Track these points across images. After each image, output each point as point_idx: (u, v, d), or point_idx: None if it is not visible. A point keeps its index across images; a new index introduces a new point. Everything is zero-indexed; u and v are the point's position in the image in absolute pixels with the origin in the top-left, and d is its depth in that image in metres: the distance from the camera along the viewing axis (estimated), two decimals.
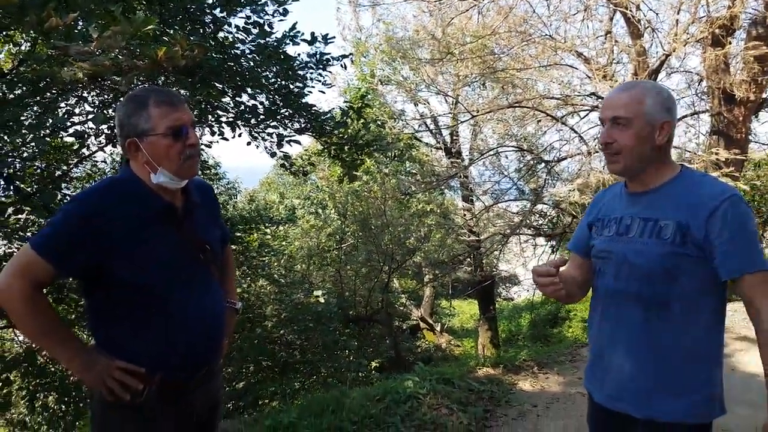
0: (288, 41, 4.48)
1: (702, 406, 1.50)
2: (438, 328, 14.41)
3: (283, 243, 10.83)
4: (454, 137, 11.74)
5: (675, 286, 1.49)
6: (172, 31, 3.87)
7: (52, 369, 5.27)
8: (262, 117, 4.69)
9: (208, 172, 7.53)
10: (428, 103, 10.95)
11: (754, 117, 6.35)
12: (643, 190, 1.60)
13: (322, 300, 8.15)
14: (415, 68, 9.65)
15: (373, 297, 11.37)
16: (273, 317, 8.36)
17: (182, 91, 4.29)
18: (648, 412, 1.51)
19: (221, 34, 4.51)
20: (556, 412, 3.69)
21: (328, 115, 4.97)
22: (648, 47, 7.16)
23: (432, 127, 11.94)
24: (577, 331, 15.88)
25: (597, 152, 7.30)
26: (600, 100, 7.74)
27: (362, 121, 5.22)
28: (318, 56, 4.67)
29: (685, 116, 7.81)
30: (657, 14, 6.62)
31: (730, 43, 5.75)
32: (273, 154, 4.87)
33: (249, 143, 4.81)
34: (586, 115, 8.18)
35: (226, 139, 4.65)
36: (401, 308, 13.64)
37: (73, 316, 4.91)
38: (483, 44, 8.10)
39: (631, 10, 6.44)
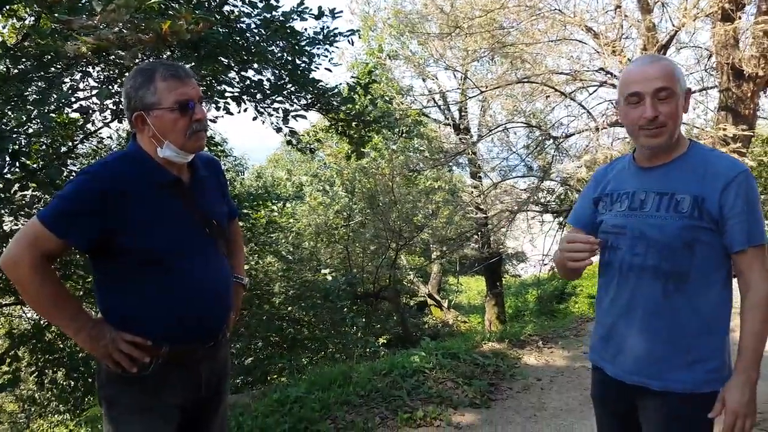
0: (295, 16, 4.43)
1: (716, 374, 1.52)
2: (445, 305, 14.52)
3: (291, 220, 10.87)
4: (463, 113, 11.66)
5: (693, 258, 1.51)
6: (176, 5, 3.84)
7: (61, 345, 5.34)
8: (267, 92, 4.67)
9: (215, 148, 7.52)
10: (436, 78, 10.86)
11: (762, 93, 6.23)
12: (657, 164, 1.60)
13: (329, 277, 8.21)
14: (424, 43, 9.54)
15: (380, 274, 11.44)
16: (281, 294, 8.44)
17: (188, 66, 4.28)
18: (665, 384, 1.53)
19: (226, 8, 4.47)
20: (561, 385, 3.73)
21: (335, 90, 4.95)
22: (657, 22, 7.03)
23: (440, 103, 11.84)
24: (583, 306, 15.94)
25: (605, 128, 7.23)
26: (609, 75, 7.63)
27: (369, 97, 5.19)
28: (325, 32, 4.62)
29: (694, 92, 7.68)
30: None
31: (739, 17, 5.62)
32: (279, 130, 4.86)
33: (255, 118, 4.80)
34: (595, 90, 8.08)
35: (231, 114, 4.64)
36: (409, 285, 13.73)
37: (81, 293, 4.96)
38: (492, 18, 7.98)
39: None
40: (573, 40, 7.78)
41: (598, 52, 7.39)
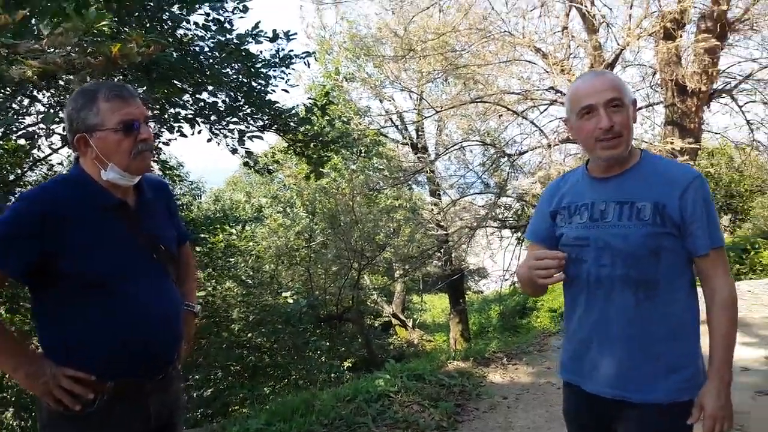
0: (250, 39, 4.43)
1: (692, 381, 1.52)
2: (410, 324, 14.47)
3: (251, 243, 10.69)
4: (420, 133, 11.82)
5: (660, 265, 1.51)
6: (127, 29, 3.77)
7: (9, 383, 5.06)
8: (223, 114, 4.62)
9: (170, 172, 7.36)
10: (393, 99, 11.02)
11: (705, 107, 6.57)
12: (612, 174, 1.60)
13: (291, 301, 8.07)
14: (379, 65, 9.68)
15: (343, 295, 11.32)
16: (240, 320, 8.23)
17: (140, 90, 4.19)
18: (644, 396, 1.51)
19: (180, 32, 4.42)
20: (527, 403, 3.74)
21: (293, 111, 4.94)
22: (603, 42, 7.36)
23: (398, 123, 11.99)
24: (545, 320, 16.18)
25: (557, 145, 7.45)
26: (558, 93, 7.90)
27: (327, 117, 5.20)
28: (280, 54, 4.63)
29: (641, 108, 8.04)
30: (611, 9, 6.77)
31: (681, 36, 5.93)
32: (234, 151, 4.81)
33: (209, 140, 4.73)
34: (546, 108, 8.35)
35: (185, 136, 4.56)
36: (372, 305, 13.63)
37: (28, 327, 4.73)
38: (444, 41, 8.18)
39: (586, 6, 6.59)
40: (523, 60, 8.06)
41: (547, 71, 7.66)
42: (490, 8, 7.52)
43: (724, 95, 6.88)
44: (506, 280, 9.55)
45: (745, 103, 7.39)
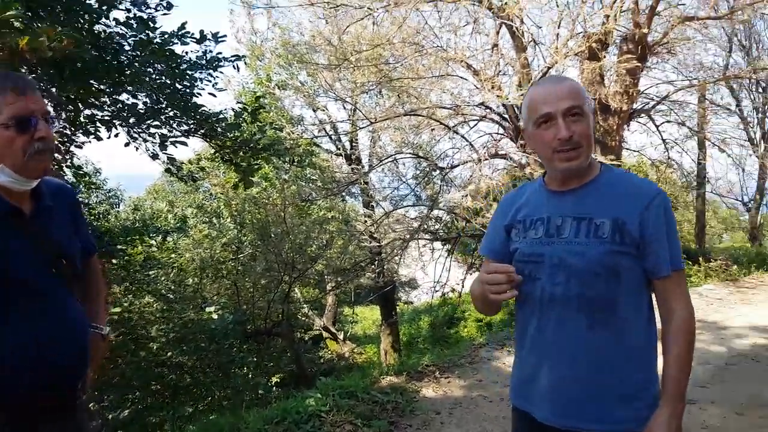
0: (175, 40, 4.19)
1: (650, 409, 1.42)
2: (341, 337, 14.28)
3: (173, 255, 10.15)
4: (354, 144, 11.77)
5: (618, 285, 1.42)
6: (38, 24, 3.45)
7: None
8: (143, 116, 4.33)
9: (84, 179, 6.83)
10: (327, 109, 10.88)
11: (626, 126, 6.94)
12: (570, 188, 1.51)
13: (215, 316, 7.68)
14: (313, 74, 9.54)
15: (273, 309, 10.98)
16: (160, 338, 7.74)
17: (53, 89, 3.85)
18: (600, 425, 1.42)
19: (98, 27, 4.11)
20: (460, 417, 3.71)
21: (220, 116, 4.72)
22: (531, 60, 7.63)
23: (331, 133, 11.87)
24: (472, 330, 16.52)
25: (486, 159, 7.63)
26: (488, 110, 8.11)
27: (258, 124, 5.00)
28: (208, 56, 4.41)
29: None
30: (540, 28, 7.02)
31: (604, 57, 6.25)
32: (155, 156, 4.51)
33: (127, 144, 4.41)
34: (476, 124, 8.54)
35: (100, 139, 4.23)
36: (303, 319, 13.34)
37: None
38: (379, 53, 8.18)
39: (515, 24, 6.81)
40: (455, 76, 8.20)
41: (477, 87, 7.84)
42: (424, 22, 7.61)
43: (642, 115, 7.32)
44: (437, 291, 9.62)
45: (662, 123, 7.91)
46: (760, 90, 10.84)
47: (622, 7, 5.60)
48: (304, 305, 13.25)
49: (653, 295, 1.50)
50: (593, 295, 1.42)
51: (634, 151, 8.83)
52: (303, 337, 13.47)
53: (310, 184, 10.93)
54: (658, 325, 1.48)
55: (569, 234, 1.46)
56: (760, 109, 11.02)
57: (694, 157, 10.06)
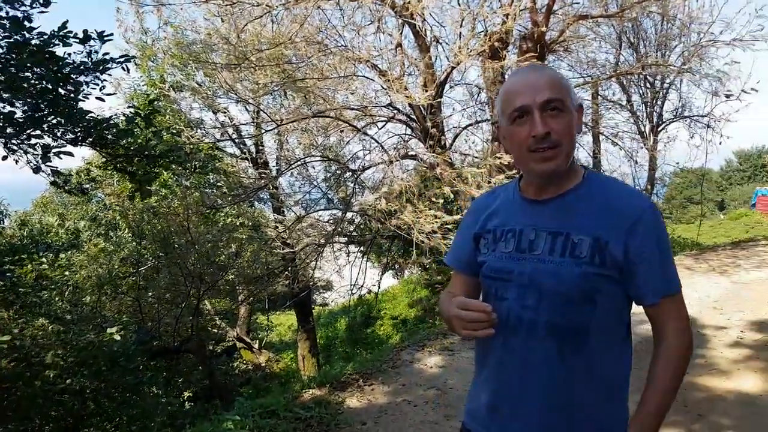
0: (56, 41, 3.79)
1: None
2: (256, 346, 13.86)
3: (67, 273, 9.30)
4: (260, 147, 11.40)
5: (594, 312, 1.26)
6: None
7: None
8: (22, 125, 3.87)
9: None
10: (228, 111, 10.42)
11: None
12: (548, 197, 1.33)
13: (117, 337, 7.11)
14: (211, 74, 9.09)
15: (181, 324, 10.38)
16: (57, 364, 7.05)
17: None
18: None
19: None
20: (386, 426, 3.66)
21: (111, 122, 4.34)
22: (435, 60, 7.76)
23: (235, 136, 11.42)
24: (388, 328, 16.76)
25: (398, 161, 7.67)
26: (396, 110, 8.16)
27: (153, 129, 4.66)
28: (94, 58, 4.03)
29: (469, 125, 8.67)
30: (443, 27, 7.15)
31: (505, 56, 6.47)
32: (37, 170, 4.06)
33: (5, 157, 3.94)
34: (384, 125, 8.56)
35: None
36: (215, 331, 12.77)
37: None
38: (280, 52, 7.95)
39: (417, 23, 6.88)
40: (361, 76, 8.16)
41: (384, 88, 7.86)
42: (327, 21, 7.49)
43: None
44: (353, 294, 9.57)
45: None
46: (648, 85, 11.74)
47: (520, 5, 5.82)
48: (216, 317, 12.68)
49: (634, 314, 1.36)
50: (565, 322, 1.26)
51: None
52: (216, 349, 12.93)
53: (215, 191, 10.45)
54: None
55: (542, 250, 1.29)
56: (649, 104, 11.92)
57: (590, 150, 10.77)
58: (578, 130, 1.32)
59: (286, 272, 10.19)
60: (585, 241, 1.25)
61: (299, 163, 8.70)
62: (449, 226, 6.60)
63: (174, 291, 10.32)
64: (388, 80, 7.01)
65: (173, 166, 5.97)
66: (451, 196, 6.91)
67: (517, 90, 1.28)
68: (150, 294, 10.65)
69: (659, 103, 11.79)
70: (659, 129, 11.70)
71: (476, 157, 8.06)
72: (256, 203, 12.48)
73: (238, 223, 10.85)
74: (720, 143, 8.53)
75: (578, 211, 1.29)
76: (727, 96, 7.41)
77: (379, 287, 10.66)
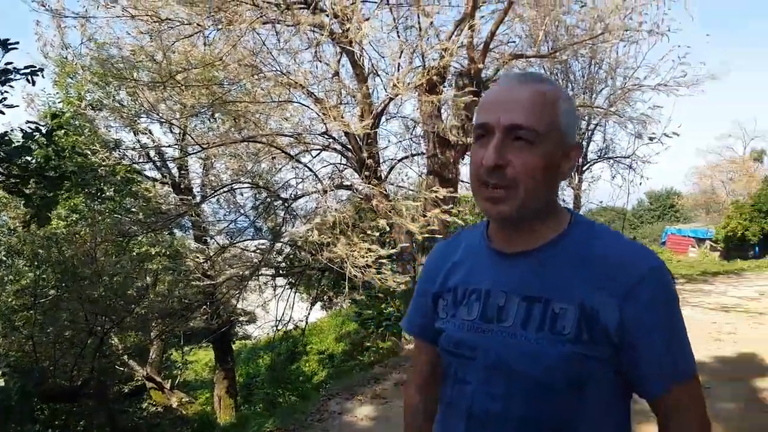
0: None
1: None
2: (167, 386, 12.75)
3: None
4: (183, 171, 10.72)
5: (581, 403, 0.96)
6: None
7: None
8: None
9: None
10: (150, 132, 9.73)
11: (461, 159, 7.24)
12: (521, 249, 1.02)
13: (2, 382, 6.19)
14: (133, 93, 8.46)
15: (82, 364, 9.33)
16: None
17: None
18: None
19: None
20: None
21: (4, 138, 3.76)
22: (372, 91, 7.62)
23: (156, 159, 10.69)
24: (314, 365, 16.09)
25: (332, 190, 7.37)
26: (332, 139, 7.89)
27: (53, 146, 4.09)
28: None
29: (405, 158, 8.56)
30: (383, 58, 7.04)
31: (442, 91, 6.43)
32: None
33: None
34: (318, 153, 8.27)
35: None
36: (123, 369, 11.63)
37: None
38: (211, 74, 7.53)
39: (356, 52, 6.72)
40: (296, 102, 7.85)
41: (320, 116, 7.58)
42: (261, 44, 7.17)
43: None
44: (278, 330, 9.01)
45: None
46: None
47: (458, 42, 5.80)
48: (124, 354, 11.57)
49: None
50: (543, 419, 0.97)
51: (468, 183, 9.32)
52: (122, 389, 11.78)
53: (131, 217, 9.63)
54: None
55: (514, 322, 0.99)
56: None
57: None
58: (561, 176, 1.00)
59: (205, 306, 9.47)
60: (568, 312, 0.95)
61: (226, 189, 8.19)
62: (383, 261, 6.36)
63: (75, 327, 9.30)
64: (325, 108, 6.76)
65: (83, 189, 5.34)
66: (387, 228, 6.69)
67: (489, 101, 1.00)
68: (49, 330, 9.54)
69: (585, 143, 12.32)
70: (584, 168, 12.18)
71: (411, 190, 7.92)
72: (177, 231, 11.68)
73: (153, 252, 10.02)
74: (640, 184, 8.91)
75: (560, 271, 0.98)
76: (651, 139, 7.76)
77: (306, 322, 10.14)
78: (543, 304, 0.97)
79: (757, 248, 22.16)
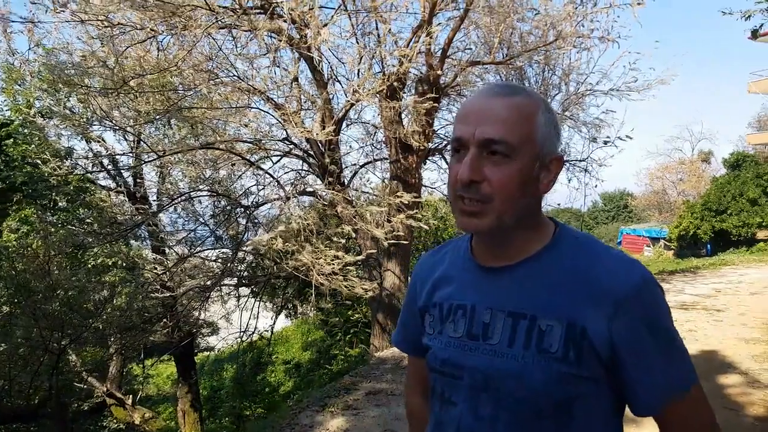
0: None
1: None
2: (129, 402, 12.35)
3: None
4: (138, 180, 10.43)
5: (570, 423, 0.93)
6: None
7: None
8: None
9: None
10: (103, 140, 9.43)
11: (423, 164, 7.28)
12: (505, 263, 1.00)
13: None
14: (85, 99, 8.19)
15: (38, 382, 8.95)
16: None
17: None
18: None
19: None
20: None
21: None
22: (332, 97, 7.59)
23: (110, 167, 10.36)
24: (280, 375, 15.89)
25: (295, 197, 7.29)
26: (293, 145, 7.82)
27: (2, 156, 3.92)
28: None
29: (367, 163, 8.55)
30: (343, 64, 7.02)
31: (403, 97, 6.46)
32: None
33: None
34: (279, 159, 8.18)
35: None
36: (80, 387, 11.21)
37: None
38: (166, 79, 7.36)
39: (315, 58, 6.68)
40: (255, 108, 7.76)
41: (280, 121, 7.51)
42: (217, 49, 7.05)
43: (437, 154, 7.79)
44: (243, 341, 8.85)
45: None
46: None
47: (416, 48, 5.85)
48: (82, 371, 11.15)
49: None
50: None
51: (431, 188, 9.38)
52: (81, 406, 11.34)
53: (85, 228, 9.30)
54: None
55: (500, 339, 0.96)
56: None
57: None
58: (542, 188, 0.98)
59: (165, 319, 9.21)
60: (555, 329, 0.92)
61: (184, 197, 8.00)
62: (350, 268, 6.33)
63: (29, 344, 8.91)
64: (285, 114, 6.69)
65: (34, 200, 5.13)
66: (352, 234, 6.66)
67: (465, 114, 0.97)
68: (1, 348, 9.10)
69: None
70: None
71: (375, 195, 7.91)
72: (133, 241, 11.34)
73: (110, 263, 9.70)
74: (596, 186, 9.16)
75: (545, 286, 0.96)
76: (605, 142, 7.99)
77: (272, 332, 9.99)
78: (529, 320, 0.95)
79: (709, 246, 23.03)
